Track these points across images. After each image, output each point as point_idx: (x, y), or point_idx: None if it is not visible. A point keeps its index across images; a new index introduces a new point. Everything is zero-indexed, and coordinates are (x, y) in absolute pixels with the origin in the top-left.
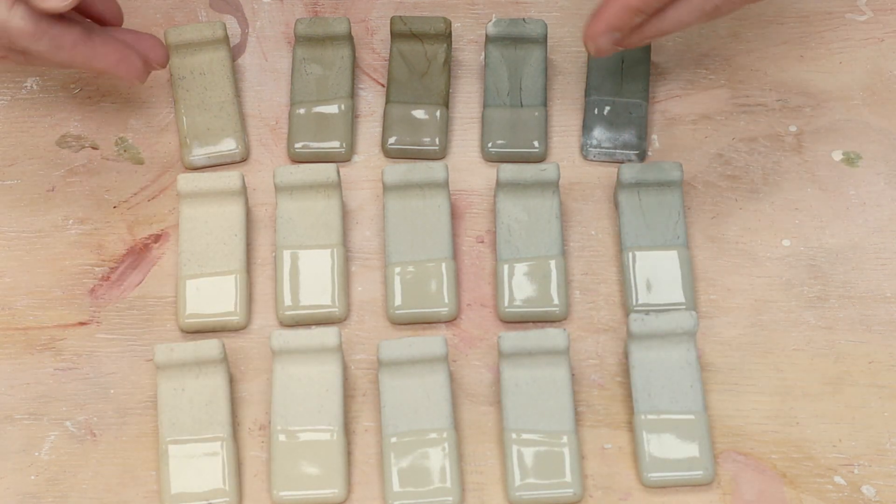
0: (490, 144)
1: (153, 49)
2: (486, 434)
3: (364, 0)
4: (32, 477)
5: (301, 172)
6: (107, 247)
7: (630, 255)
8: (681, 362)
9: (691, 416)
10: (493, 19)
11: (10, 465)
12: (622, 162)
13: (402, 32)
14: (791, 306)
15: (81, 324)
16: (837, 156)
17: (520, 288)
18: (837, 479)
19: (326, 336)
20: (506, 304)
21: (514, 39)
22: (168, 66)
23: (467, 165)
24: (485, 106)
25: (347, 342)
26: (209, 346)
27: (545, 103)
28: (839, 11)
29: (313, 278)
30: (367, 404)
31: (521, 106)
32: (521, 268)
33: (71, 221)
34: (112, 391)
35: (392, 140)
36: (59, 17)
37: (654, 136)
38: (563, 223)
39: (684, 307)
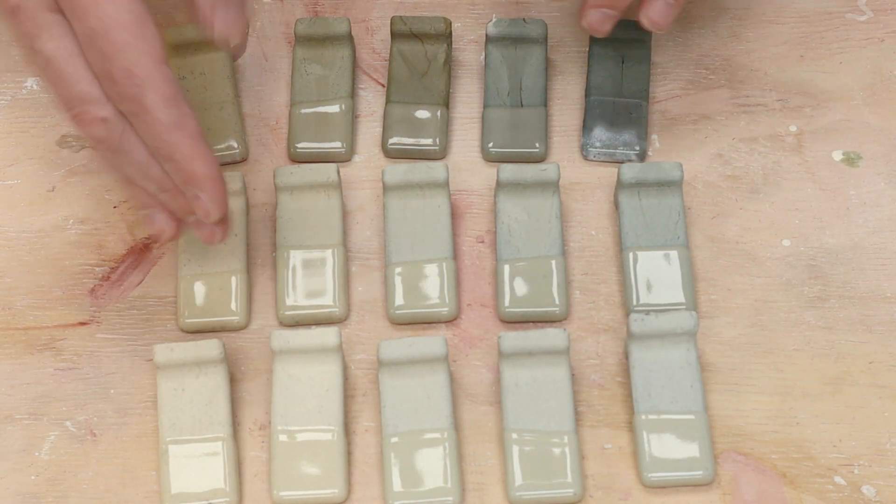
0: (490, 144)
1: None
2: (486, 434)
3: (364, 0)
4: (32, 477)
5: (301, 172)
6: (107, 247)
7: (630, 255)
8: (681, 362)
9: (691, 416)
10: (493, 19)
11: (10, 465)
12: (622, 162)
13: (403, 32)
14: (791, 306)
15: (81, 324)
16: (837, 156)
17: (520, 288)
18: (837, 479)
19: (326, 336)
20: (506, 304)
21: (514, 39)
22: None
23: (467, 165)
24: (485, 106)
25: (347, 342)
26: (209, 346)
27: (545, 103)
28: (839, 11)
29: (313, 278)
30: (367, 404)
31: (522, 106)
32: (521, 268)
33: (71, 221)
34: (112, 391)
35: (392, 140)
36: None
37: (655, 136)
38: (563, 223)
39: (684, 307)
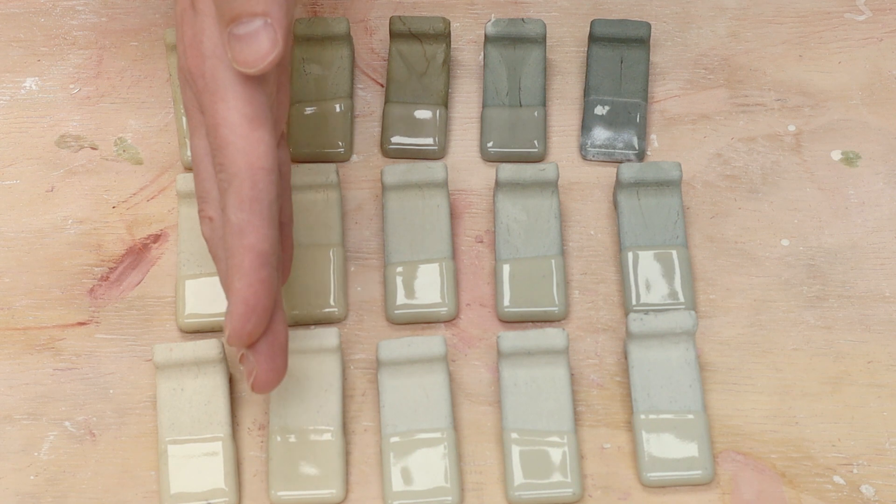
0: (489, 144)
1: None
2: (485, 434)
3: (363, 0)
4: (32, 477)
5: (300, 172)
6: (106, 247)
7: (629, 254)
8: (680, 362)
9: (690, 416)
10: (492, 19)
11: (10, 465)
12: (621, 162)
13: (401, 32)
14: (790, 306)
15: (80, 324)
16: (836, 155)
17: (519, 288)
18: (836, 478)
19: (326, 336)
20: (505, 303)
21: (513, 39)
22: (167, 66)
23: (466, 165)
24: (484, 106)
25: (346, 342)
26: (208, 346)
27: (544, 103)
28: (838, 11)
29: (313, 278)
30: (367, 404)
31: (521, 106)
32: (520, 267)
33: (70, 221)
34: (111, 391)
35: (391, 140)
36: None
37: (653, 136)
38: (562, 223)
39: (683, 307)
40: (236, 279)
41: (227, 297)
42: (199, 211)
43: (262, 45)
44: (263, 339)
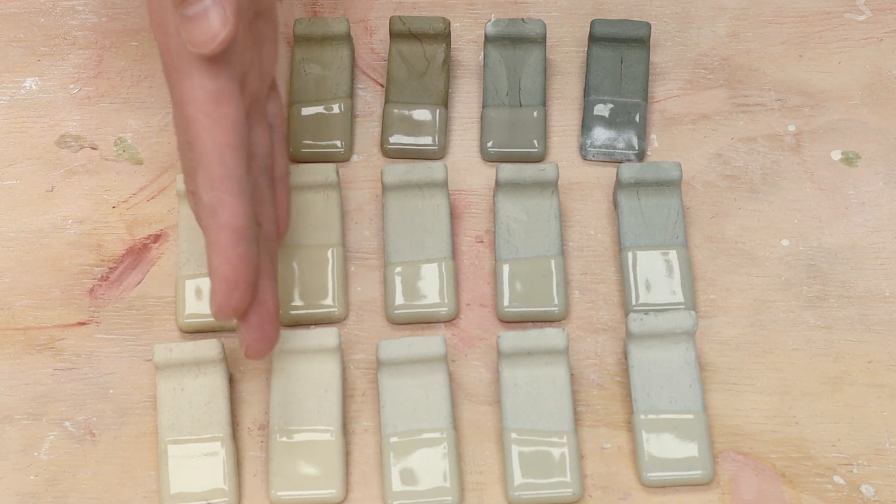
0: (489, 144)
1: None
2: (485, 434)
3: (363, 0)
4: (32, 477)
5: (300, 172)
6: (106, 247)
7: (629, 254)
8: (680, 362)
9: (690, 416)
10: (492, 19)
11: (10, 465)
12: (621, 162)
13: (401, 32)
14: (790, 306)
15: (80, 324)
16: (836, 155)
17: (519, 288)
18: (836, 478)
19: (326, 336)
20: (505, 303)
21: (513, 39)
22: None
23: (466, 165)
24: (484, 106)
25: (346, 342)
26: (208, 346)
27: (544, 103)
28: (838, 11)
29: (313, 278)
30: (367, 404)
31: (521, 106)
32: (520, 267)
33: (70, 221)
34: (111, 391)
35: (391, 140)
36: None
37: (653, 136)
38: (562, 223)
39: (683, 307)
40: (214, 257)
41: (209, 275)
42: (185, 184)
43: (212, 24)
44: (252, 310)
